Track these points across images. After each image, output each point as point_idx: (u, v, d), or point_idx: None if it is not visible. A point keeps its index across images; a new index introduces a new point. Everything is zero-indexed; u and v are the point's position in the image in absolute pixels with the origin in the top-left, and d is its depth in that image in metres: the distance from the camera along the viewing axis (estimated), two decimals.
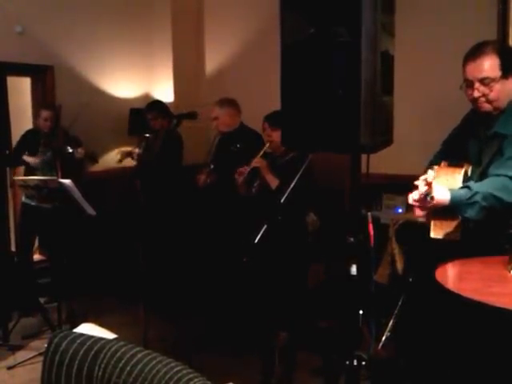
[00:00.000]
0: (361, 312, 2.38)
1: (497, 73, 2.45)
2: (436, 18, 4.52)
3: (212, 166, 4.73)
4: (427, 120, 4.57)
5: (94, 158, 5.27)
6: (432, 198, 2.20)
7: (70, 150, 4.78)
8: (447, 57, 4.33)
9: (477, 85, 2.47)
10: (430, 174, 2.19)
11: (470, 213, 2.27)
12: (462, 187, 2.36)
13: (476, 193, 2.27)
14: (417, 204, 2.34)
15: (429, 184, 2.18)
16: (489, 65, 2.45)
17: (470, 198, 2.26)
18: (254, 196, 4.20)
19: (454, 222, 2.38)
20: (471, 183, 2.36)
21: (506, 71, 2.46)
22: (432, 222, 2.42)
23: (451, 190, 2.30)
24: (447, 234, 2.39)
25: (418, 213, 2.47)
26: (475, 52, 2.49)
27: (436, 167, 2.27)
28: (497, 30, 4.14)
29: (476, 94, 2.48)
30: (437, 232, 2.42)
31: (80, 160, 4.94)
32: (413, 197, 2.35)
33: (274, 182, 4.03)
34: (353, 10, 2.08)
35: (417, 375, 3.11)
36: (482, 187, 2.31)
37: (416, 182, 2.32)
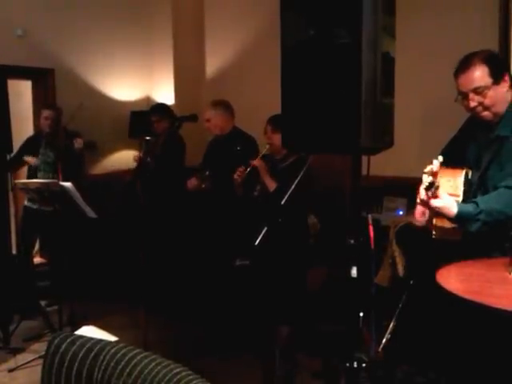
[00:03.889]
0: (361, 314, 2.38)
1: (487, 80, 2.50)
2: (437, 20, 4.52)
3: (207, 173, 4.70)
4: (428, 122, 4.57)
5: (93, 146, 5.25)
6: (437, 187, 2.21)
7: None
8: (448, 59, 4.31)
9: (471, 95, 2.52)
10: (435, 164, 2.19)
11: (473, 228, 2.33)
12: (469, 201, 2.37)
13: (481, 211, 2.31)
14: (424, 199, 2.33)
15: (434, 174, 2.18)
16: (479, 74, 2.50)
17: (475, 215, 2.31)
18: (256, 199, 4.20)
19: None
20: (479, 199, 2.39)
21: (497, 77, 2.51)
22: (434, 220, 2.43)
23: (459, 205, 2.33)
24: (449, 234, 2.40)
25: (419, 218, 2.49)
26: (464, 64, 2.55)
27: (441, 157, 2.27)
28: (498, 32, 4.14)
29: (472, 103, 2.53)
30: (438, 232, 2.42)
31: (80, 151, 4.94)
32: (419, 195, 2.35)
33: (271, 185, 4.02)
34: (353, 12, 2.09)
35: (417, 376, 3.11)
36: (488, 203, 2.35)
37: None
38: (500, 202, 2.34)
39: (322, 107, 2.19)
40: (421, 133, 4.58)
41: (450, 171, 2.50)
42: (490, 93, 2.49)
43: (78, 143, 4.90)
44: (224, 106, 4.74)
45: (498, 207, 2.32)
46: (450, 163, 2.56)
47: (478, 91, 2.50)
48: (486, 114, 2.54)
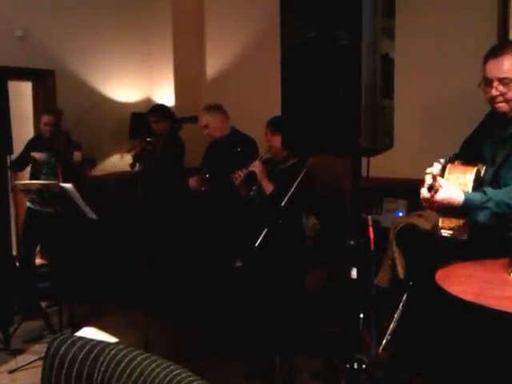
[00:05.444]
0: (361, 315, 2.38)
1: None
2: (436, 22, 4.52)
3: (207, 175, 4.70)
4: (428, 123, 4.57)
5: (92, 161, 5.30)
6: (436, 191, 2.21)
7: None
8: (447, 60, 4.34)
9: (495, 83, 2.49)
10: (436, 167, 2.19)
11: (481, 217, 2.30)
12: (478, 191, 2.37)
13: (490, 199, 2.30)
14: (426, 196, 2.32)
15: (434, 177, 2.18)
16: (509, 65, 2.47)
17: (483, 202, 2.29)
18: (251, 199, 4.20)
19: (462, 221, 2.38)
20: (487, 188, 2.37)
21: None
22: (440, 220, 2.42)
23: (466, 193, 2.32)
24: (455, 233, 2.39)
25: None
26: (496, 52, 2.51)
27: (442, 160, 2.26)
28: (497, 33, 4.14)
29: (494, 92, 2.50)
30: (445, 230, 2.42)
31: (78, 164, 4.98)
32: (422, 193, 2.34)
33: (268, 188, 4.01)
34: (353, 14, 2.09)
35: (418, 377, 3.11)
36: (497, 194, 2.33)
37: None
38: (509, 196, 2.32)
39: (321, 109, 2.19)
40: (420, 134, 4.58)
41: (460, 168, 2.48)
42: None
43: (76, 156, 4.95)
44: (218, 108, 4.76)
45: (507, 200, 2.31)
46: (466, 159, 2.56)
47: (504, 82, 2.47)
48: (502, 105, 2.51)
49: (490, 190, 2.36)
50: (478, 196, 2.32)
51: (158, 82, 6.57)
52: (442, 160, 2.24)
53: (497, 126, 2.62)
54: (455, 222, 2.40)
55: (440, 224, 2.43)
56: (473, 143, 2.76)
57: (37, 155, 5.02)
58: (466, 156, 2.65)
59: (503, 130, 2.56)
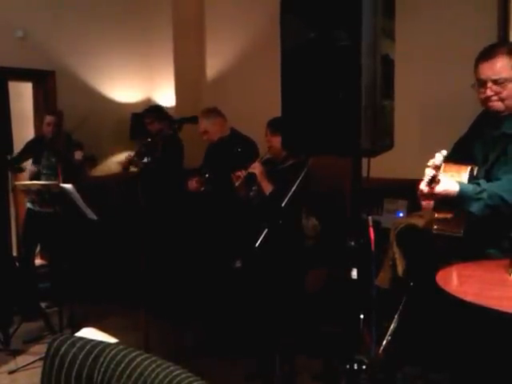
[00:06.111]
0: (362, 316, 2.38)
1: (509, 73, 2.49)
2: (436, 21, 4.52)
3: (207, 175, 4.70)
4: (428, 124, 4.57)
5: (93, 159, 5.32)
6: (438, 180, 2.22)
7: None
8: (447, 60, 4.34)
9: (489, 84, 2.51)
10: (438, 158, 2.20)
11: (475, 208, 2.33)
12: (472, 182, 2.40)
13: (484, 190, 2.33)
14: (425, 190, 2.33)
15: (436, 167, 2.19)
16: (501, 65, 2.49)
17: (477, 193, 2.33)
18: (251, 199, 4.20)
19: (458, 217, 2.40)
20: (482, 181, 2.41)
21: None
22: (436, 214, 2.43)
23: (460, 183, 2.35)
24: (450, 227, 2.41)
25: (425, 204, 2.49)
26: (488, 53, 2.53)
27: (444, 151, 2.27)
28: (497, 34, 4.14)
29: (489, 92, 2.52)
30: (439, 226, 2.43)
31: (79, 163, 4.99)
32: (421, 188, 2.36)
33: (267, 188, 4.02)
34: (353, 15, 2.09)
35: (418, 378, 3.11)
36: (491, 186, 2.37)
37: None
38: (502, 189, 2.35)
39: (322, 109, 2.19)
40: (421, 134, 4.58)
41: (455, 167, 2.50)
42: (510, 86, 2.49)
43: (78, 155, 4.99)
44: (215, 112, 4.76)
45: (500, 193, 2.33)
46: (458, 160, 2.57)
47: (497, 82, 2.49)
48: (497, 104, 2.53)
49: (484, 182, 2.40)
50: (471, 187, 2.36)
51: (158, 83, 6.57)
52: (444, 151, 2.24)
53: (489, 126, 2.63)
54: (450, 215, 2.41)
55: (435, 216, 2.45)
56: (465, 144, 2.78)
57: (28, 167, 5.05)
58: (457, 157, 2.67)
59: (495, 129, 2.58)
